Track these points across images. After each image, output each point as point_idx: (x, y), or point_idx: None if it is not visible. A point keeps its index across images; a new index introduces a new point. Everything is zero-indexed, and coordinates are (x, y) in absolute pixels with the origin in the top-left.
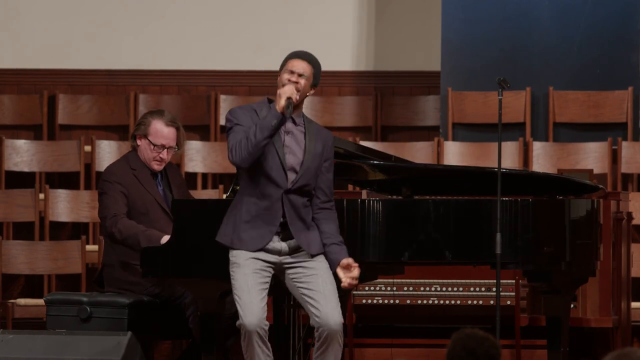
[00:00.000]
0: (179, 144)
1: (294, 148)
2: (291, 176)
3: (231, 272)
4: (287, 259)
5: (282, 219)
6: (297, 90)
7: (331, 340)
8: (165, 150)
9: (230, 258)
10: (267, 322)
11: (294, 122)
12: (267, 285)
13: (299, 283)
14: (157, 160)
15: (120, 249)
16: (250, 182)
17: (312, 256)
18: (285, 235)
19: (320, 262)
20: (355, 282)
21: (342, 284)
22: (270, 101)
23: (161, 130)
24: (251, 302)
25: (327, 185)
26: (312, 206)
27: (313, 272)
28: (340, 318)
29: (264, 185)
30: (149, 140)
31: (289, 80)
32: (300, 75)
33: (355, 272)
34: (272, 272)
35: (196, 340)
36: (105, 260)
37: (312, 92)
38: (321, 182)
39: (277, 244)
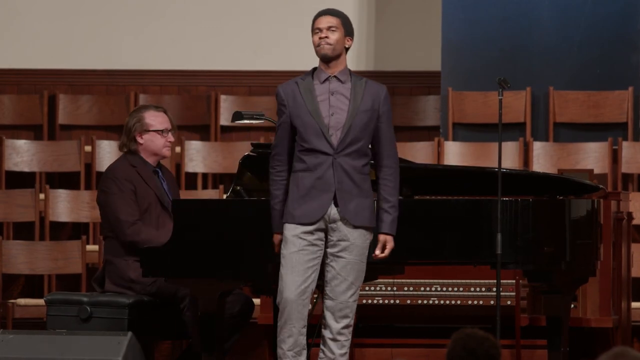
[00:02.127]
0: (173, 125)
1: (340, 107)
2: (338, 136)
3: (282, 246)
4: (334, 225)
5: (336, 185)
6: (329, 44)
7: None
8: (170, 133)
9: (283, 231)
10: (308, 304)
11: (340, 80)
12: (315, 262)
13: (327, 258)
14: (167, 146)
15: (121, 247)
16: (299, 156)
17: (355, 227)
18: (336, 201)
19: (356, 241)
20: (382, 258)
21: (372, 254)
22: (315, 70)
23: (157, 117)
24: (293, 281)
25: (386, 142)
26: (375, 168)
27: (343, 254)
28: (347, 317)
29: (313, 154)
30: (152, 131)
31: (320, 38)
32: (328, 28)
33: (386, 252)
34: (322, 243)
35: (190, 336)
36: (106, 258)
37: (349, 42)
38: (379, 141)
39: (329, 209)
